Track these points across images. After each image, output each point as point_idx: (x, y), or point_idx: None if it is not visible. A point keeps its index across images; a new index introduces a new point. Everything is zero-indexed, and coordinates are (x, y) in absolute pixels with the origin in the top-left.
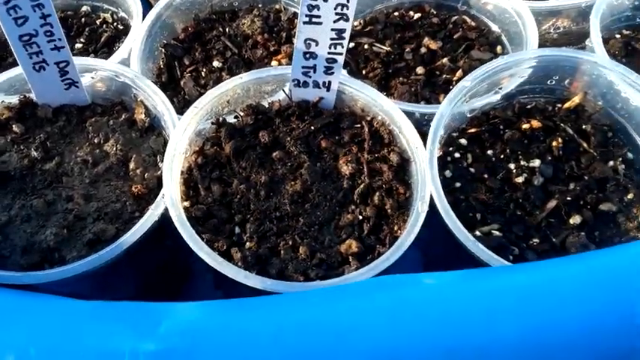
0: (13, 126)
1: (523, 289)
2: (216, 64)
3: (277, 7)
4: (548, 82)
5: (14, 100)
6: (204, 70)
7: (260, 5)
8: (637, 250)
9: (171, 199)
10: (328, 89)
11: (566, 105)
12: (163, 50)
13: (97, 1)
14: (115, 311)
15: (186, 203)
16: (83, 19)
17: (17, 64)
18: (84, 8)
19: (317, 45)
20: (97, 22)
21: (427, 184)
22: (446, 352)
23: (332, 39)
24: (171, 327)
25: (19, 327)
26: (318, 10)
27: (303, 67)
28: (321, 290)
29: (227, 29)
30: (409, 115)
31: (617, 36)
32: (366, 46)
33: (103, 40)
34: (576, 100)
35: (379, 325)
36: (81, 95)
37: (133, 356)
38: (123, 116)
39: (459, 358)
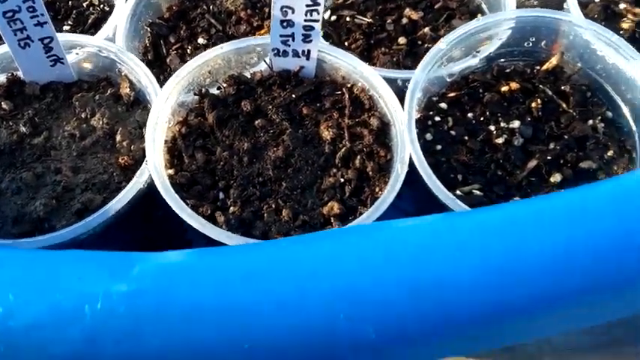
0: (2, 103)
1: (491, 224)
2: (201, 41)
3: None
4: (526, 45)
5: (2, 78)
6: (189, 47)
7: None
8: (605, 186)
9: (154, 166)
10: (308, 58)
11: (545, 67)
12: (149, 29)
13: None
14: (89, 258)
15: (171, 171)
16: (70, 2)
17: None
18: None
19: (293, 12)
20: (84, 4)
21: (406, 146)
22: (412, 287)
23: (307, 5)
24: (144, 270)
25: None
26: None
27: (281, 36)
28: (292, 238)
29: (211, 7)
30: (391, 82)
31: (597, 0)
32: (347, 19)
33: (90, 21)
34: (554, 61)
35: (347, 263)
36: (67, 72)
37: (106, 297)
38: (109, 91)
39: (425, 292)
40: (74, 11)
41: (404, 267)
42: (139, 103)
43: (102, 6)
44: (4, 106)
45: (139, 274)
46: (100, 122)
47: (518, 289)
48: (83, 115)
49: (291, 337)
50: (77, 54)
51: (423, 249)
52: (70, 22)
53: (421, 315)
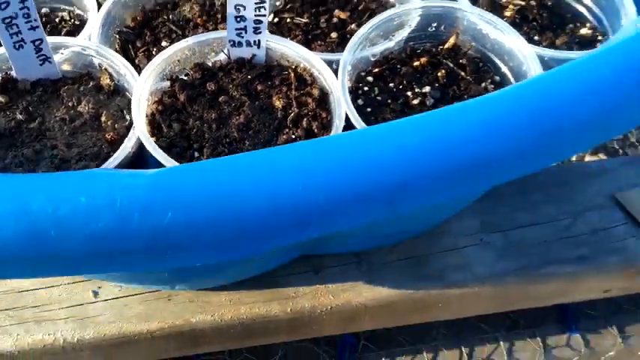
0: None
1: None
2: (164, 44)
3: None
4: (430, 29)
5: None
6: (154, 49)
7: None
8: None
9: (141, 131)
10: (258, 46)
11: (446, 46)
12: (117, 36)
13: (55, 2)
14: (111, 171)
15: (153, 139)
16: (44, 19)
17: None
18: (44, 10)
19: (245, 9)
20: (56, 20)
21: (342, 106)
22: (349, 167)
23: (255, 3)
24: (155, 172)
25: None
26: None
27: (236, 29)
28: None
29: (170, 16)
30: (328, 64)
31: None
32: (288, 20)
33: (63, 34)
34: (452, 41)
35: (305, 154)
36: (53, 70)
37: (130, 188)
38: (90, 83)
39: (358, 169)
40: (48, 25)
41: (344, 153)
42: (119, 92)
43: (72, 20)
44: (0, 99)
45: (152, 174)
46: (86, 108)
47: (422, 165)
48: (70, 104)
49: (265, 205)
50: (62, 53)
51: (356, 142)
52: None
53: (355, 187)
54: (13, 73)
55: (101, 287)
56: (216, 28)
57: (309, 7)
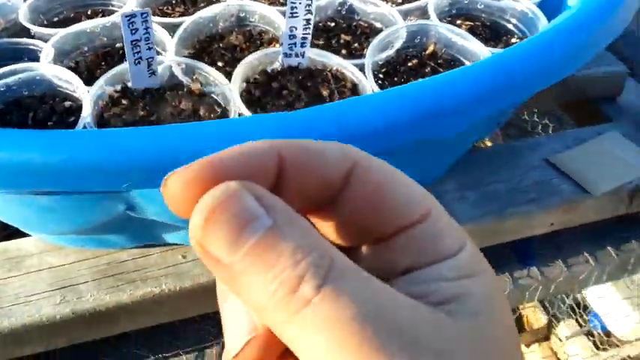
0: (122, 100)
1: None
2: (219, 64)
3: (249, 29)
4: (415, 41)
5: (118, 87)
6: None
7: (236, 29)
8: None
9: (239, 112)
10: (303, 56)
11: (427, 52)
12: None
13: None
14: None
15: None
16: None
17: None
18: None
19: (296, 30)
20: None
21: (368, 90)
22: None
23: (304, 26)
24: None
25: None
26: (296, 9)
27: (288, 44)
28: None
29: (220, 44)
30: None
31: (444, 20)
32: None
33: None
34: (431, 48)
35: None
36: (157, 81)
37: None
38: (185, 89)
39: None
40: None
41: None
42: (205, 94)
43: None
44: (123, 101)
45: None
46: (187, 105)
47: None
48: (174, 103)
49: None
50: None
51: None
52: None
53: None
54: (129, 84)
55: (187, 252)
56: (257, 50)
57: (322, 33)
